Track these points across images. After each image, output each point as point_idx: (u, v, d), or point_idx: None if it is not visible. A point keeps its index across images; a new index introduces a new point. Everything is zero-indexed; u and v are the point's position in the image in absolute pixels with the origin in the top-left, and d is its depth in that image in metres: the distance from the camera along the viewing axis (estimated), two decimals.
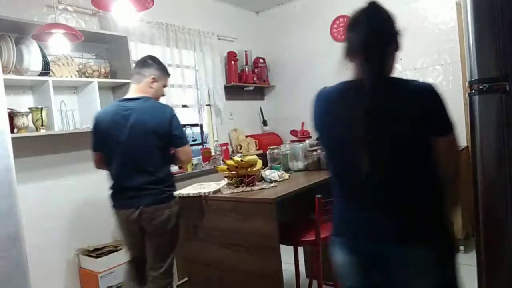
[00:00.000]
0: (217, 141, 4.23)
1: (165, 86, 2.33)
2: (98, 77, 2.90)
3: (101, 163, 2.21)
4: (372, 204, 1.21)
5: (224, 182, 2.21)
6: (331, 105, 1.28)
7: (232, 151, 4.32)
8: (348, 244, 1.26)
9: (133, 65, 3.13)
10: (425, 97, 1.15)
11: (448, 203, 1.22)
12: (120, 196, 2.12)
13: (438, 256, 1.16)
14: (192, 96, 3.93)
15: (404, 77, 1.22)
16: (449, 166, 1.20)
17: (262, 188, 2.03)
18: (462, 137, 3.65)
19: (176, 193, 2.15)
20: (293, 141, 2.75)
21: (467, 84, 1.55)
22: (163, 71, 2.31)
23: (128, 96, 2.18)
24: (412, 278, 1.18)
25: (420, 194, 1.19)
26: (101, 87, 2.97)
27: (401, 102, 1.16)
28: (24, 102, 2.64)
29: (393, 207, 1.18)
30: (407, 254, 1.16)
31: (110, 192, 2.17)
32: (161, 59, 3.49)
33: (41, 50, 2.54)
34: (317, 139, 1.75)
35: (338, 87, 1.27)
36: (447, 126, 1.17)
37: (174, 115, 2.14)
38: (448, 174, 1.21)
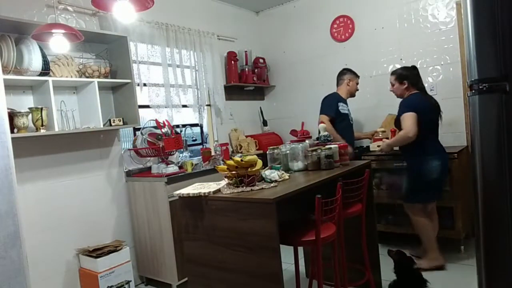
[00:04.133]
0: (217, 141, 4.23)
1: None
2: (98, 77, 2.90)
3: None
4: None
5: (224, 182, 2.21)
6: (422, 104, 3.05)
7: (232, 151, 4.32)
8: (441, 155, 3.02)
9: (133, 65, 3.16)
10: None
11: None
12: None
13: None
14: (192, 96, 3.94)
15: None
16: None
17: (262, 188, 2.02)
18: (462, 137, 3.66)
19: (176, 193, 2.15)
20: (293, 141, 2.74)
21: (467, 84, 1.55)
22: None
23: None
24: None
25: None
26: (101, 87, 2.97)
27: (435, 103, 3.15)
28: (24, 102, 2.65)
29: None
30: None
31: None
32: (161, 59, 3.55)
33: (41, 50, 2.54)
34: (418, 114, 2.98)
35: (420, 96, 3.08)
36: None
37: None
38: None
